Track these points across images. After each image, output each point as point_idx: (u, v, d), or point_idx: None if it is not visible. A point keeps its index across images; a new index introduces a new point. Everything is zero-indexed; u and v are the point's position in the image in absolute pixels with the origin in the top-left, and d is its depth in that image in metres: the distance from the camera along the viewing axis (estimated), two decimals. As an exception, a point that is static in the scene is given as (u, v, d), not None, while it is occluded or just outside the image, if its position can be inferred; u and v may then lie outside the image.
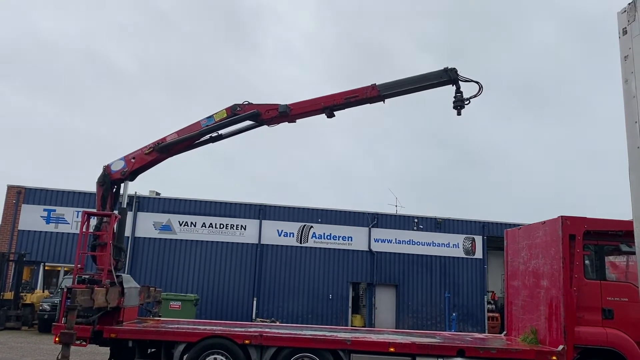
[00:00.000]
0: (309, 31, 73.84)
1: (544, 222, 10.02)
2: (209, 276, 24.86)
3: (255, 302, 24.95)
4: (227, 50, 71.41)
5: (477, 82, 10.34)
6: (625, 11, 3.83)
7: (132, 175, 10.96)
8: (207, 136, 11.26)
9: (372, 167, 66.92)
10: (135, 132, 63.14)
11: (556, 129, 66.69)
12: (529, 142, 66.89)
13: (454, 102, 10.47)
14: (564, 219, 9.39)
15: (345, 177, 65.87)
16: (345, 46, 72.45)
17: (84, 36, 65.78)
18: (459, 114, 10.48)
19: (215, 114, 11.12)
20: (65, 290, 9.12)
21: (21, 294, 20.53)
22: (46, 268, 23.07)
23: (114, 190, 10.93)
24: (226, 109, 11.05)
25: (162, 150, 10.90)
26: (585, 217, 9.47)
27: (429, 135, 69.61)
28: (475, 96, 10.37)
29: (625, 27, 3.76)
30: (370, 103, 10.95)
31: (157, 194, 26.28)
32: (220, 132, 11.27)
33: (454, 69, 10.47)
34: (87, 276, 10.06)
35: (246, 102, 11.05)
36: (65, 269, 23.61)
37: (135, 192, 24.44)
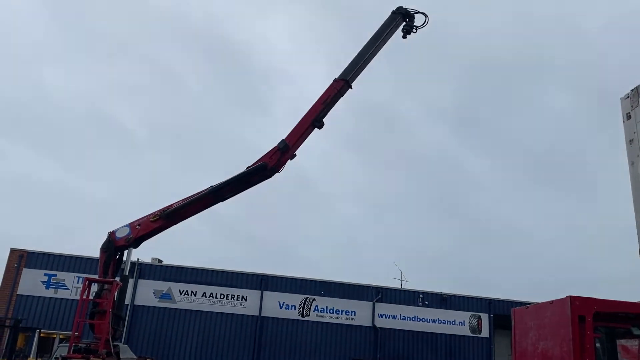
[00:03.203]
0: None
1: (552, 301, 9.79)
2: (207, 347, 24.17)
3: (253, 377, 24.10)
4: (236, 114, 72.52)
5: (423, 13, 12.64)
6: (628, 97, 3.94)
7: (136, 242, 10.98)
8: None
9: (379, 237, 66.28)
10: (139, 196, 63.13)
11: (572, 203, 65.96)
12: (540, 215, 66.15)
13: (403, 30, 12.78)
14: (572, 299, 9.16)
15: (350, 246, 65.14)
16: (356, 112, 73.45)
17: (90, 95, 66.96)
18: (404, 37, 12.83)
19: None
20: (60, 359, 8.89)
21: (13, 361, 19.91)
22: (41, 335, 22.49)
23: (117, 257, 10.90)
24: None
25: (169, 217, 10.96)
26: (595, 298, 9.24)
27: (439, 207, 69.30)
28: (422, 26, 12.85)
29: (629, 112, 3.86)
30: (343, 94, 12.35)
31: (160, 261, 26.06)
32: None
33: (400, 6, 12.72)
34: (83, 345, 9.82)
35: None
36: (61, 336, 23.02)
37: (137, 259, 24.25)
